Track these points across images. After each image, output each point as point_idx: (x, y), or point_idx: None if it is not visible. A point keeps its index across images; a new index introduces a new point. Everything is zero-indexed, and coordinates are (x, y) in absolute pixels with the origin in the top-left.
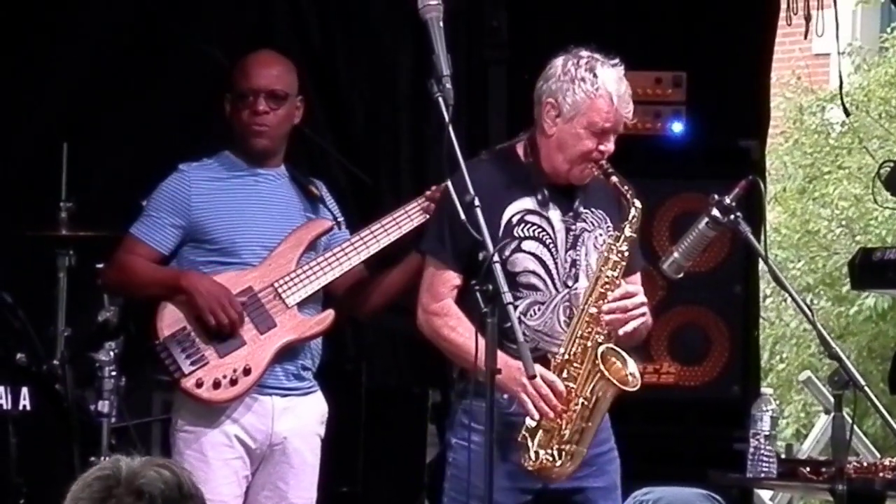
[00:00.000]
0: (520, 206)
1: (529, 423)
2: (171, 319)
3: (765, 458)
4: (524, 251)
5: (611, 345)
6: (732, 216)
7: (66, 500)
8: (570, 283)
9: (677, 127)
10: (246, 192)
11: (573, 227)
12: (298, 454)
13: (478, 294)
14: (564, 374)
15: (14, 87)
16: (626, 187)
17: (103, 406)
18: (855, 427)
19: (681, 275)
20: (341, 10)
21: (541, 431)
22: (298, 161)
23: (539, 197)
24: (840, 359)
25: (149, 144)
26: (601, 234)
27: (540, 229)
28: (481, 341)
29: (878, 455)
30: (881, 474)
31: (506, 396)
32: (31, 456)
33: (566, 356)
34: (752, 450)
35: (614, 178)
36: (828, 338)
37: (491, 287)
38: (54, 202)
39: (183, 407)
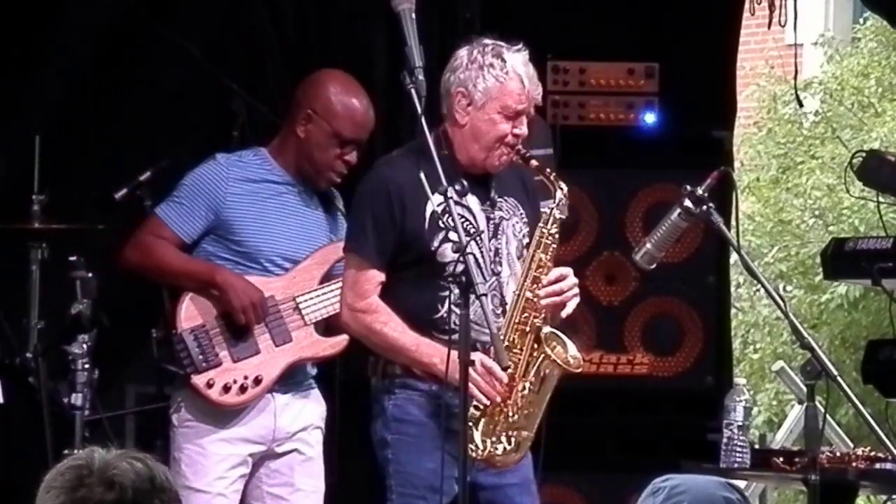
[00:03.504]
0: (441, 198)
1: (473, 411)
2: (191, 312)
3: (738, 449)
4: (451, 241)
5: (551, 329)
6: (705, 207)
7: (40, 488)
8: (495, 272)
9: (650, 118)
10: (278, 201)
11: (492, 215)
12: (304, 445)
13: (452, 286)
14: None
15: None
16: (548, 170)
17: (76, 399)
18: (828, 417)
19: (654, 265)
20: (316, 0)
21: (484, 420)
22: None
23: (458, 188)
24: (813, 349)
25: (122, 137)
26: (517, 222)
27: (464, 220)
28: (413, 336)
29: (851, 445)
30: (854, 464)
31: (435, 386)
32: (4, 448)
33: (504, 343)
34: (725, 440)
35: (534, 162)
36: (800, 328)
37: (464, 279)
38: (27, 195)
39: (188, 401)
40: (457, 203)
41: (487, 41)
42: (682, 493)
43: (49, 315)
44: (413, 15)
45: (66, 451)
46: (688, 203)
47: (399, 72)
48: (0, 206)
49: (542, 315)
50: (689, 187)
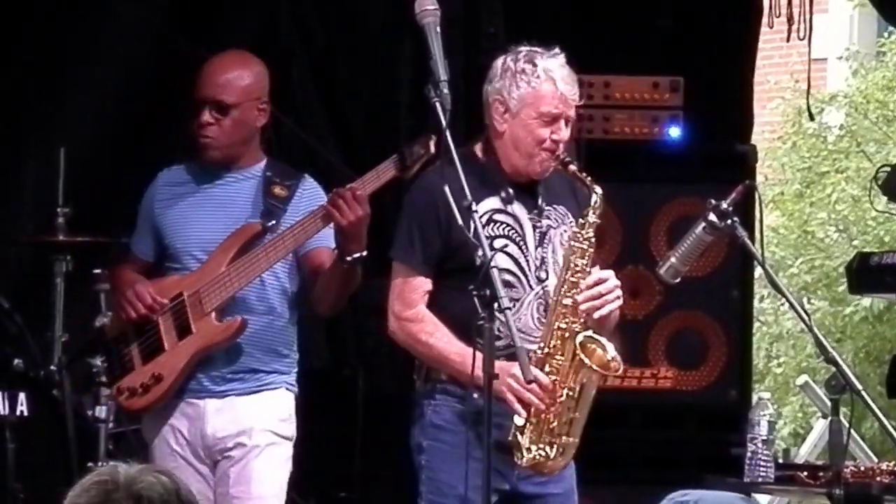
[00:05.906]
0: (487, 206)
1: (518, 420)
2: (115, 323)
3: (762, 463)
4: (496, 249)
5: (589, 332)
6: (729, 221)
7: None
8: (540, 280)
9: (674, 132)
10: (197, 197)
11: (539, 223)
12: (245, 452)
13: (475, 299)
14: (546, 368)
15: (16, 96)
16: (584, 174)
17: (100, 411)
18: (852, 431)
19: (678, 279)
20: (344, 16)
21: (529, 427)
22: (302, 168)
23: (503, 195)
24: (837, 363)
25: (146, 150)
26: (565, 231)
27: (509, 227)
28: (460, 346)
29: (875, 459)
30: (878, 478)
31: (477, 395)
32: (29, 462)
33: (546, 350)
34: (749, 454)
35: (572, 167)
36: (825, 343)
37: (488, 292)
38: (51, 207)
39: None
40: (502, 211)
41: (522, 48)
42: None
43: (73, 328)
44: (438, 28)
45: (90, 464)
46: (712, 217)
47: (424, 85)
48: (25, 218)
49: (582, 320)
50: (713, 201)
